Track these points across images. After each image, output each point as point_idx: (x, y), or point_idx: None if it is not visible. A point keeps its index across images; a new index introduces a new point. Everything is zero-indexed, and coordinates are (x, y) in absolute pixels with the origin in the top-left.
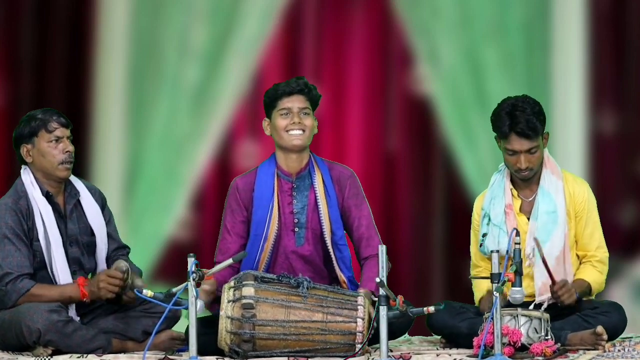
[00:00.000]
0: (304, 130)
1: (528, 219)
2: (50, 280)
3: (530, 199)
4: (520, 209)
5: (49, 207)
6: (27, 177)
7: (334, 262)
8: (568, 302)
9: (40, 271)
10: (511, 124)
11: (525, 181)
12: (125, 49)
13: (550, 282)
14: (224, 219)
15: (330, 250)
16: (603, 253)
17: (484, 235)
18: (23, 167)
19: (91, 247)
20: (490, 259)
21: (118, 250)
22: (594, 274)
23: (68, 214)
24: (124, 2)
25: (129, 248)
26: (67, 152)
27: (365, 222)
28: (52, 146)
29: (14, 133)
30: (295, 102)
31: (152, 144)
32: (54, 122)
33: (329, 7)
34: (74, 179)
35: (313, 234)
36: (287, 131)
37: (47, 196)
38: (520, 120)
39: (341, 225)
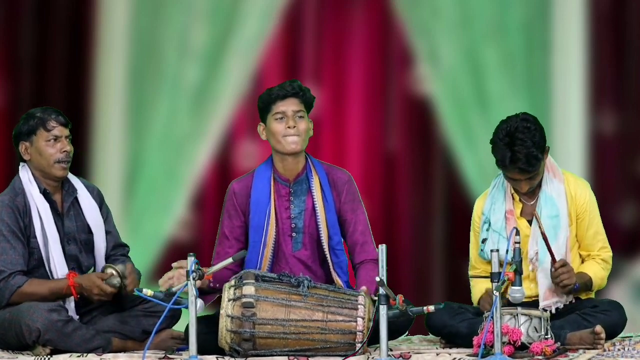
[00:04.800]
0: (299, 135)
1: (529, 222)
2: (48, 277)
3: (532, 202)
4: (522, 213)
5: (47, 205)
6: (25, 174)
7: (331, 266)
8: (566, 282)
9: (39, 269)
10: (512, 159)
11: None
12: (125, 49)
13: (552, 287)
14: (221, 223)
15: (327, 255)
16: (606, 253)
17: (484, 240)
18: (21, 164)
19: (89, 244)
20: (489, 263)
21: (117, 248)
22: (596, 268)
23: (65, 211)
24: (124, 2)
25: (129, 247)
26: (64, 151)
27: (360, 227)
28: (50, 145)
29: (14, 130)
30: (289, 106)
31: (152, 144)
32: (52, 120)
33: (329, 7)
34: (72, 177)
35: (310, 238)
36: (283, 136)
37: (45, 193)
38: (520, 156)
39: (338, 230)
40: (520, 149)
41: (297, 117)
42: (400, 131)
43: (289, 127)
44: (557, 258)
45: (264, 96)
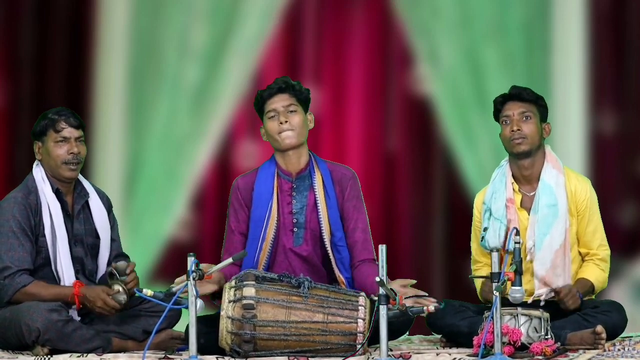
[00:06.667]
0: (293, 129)
1: (529, 213)
2: (53, 277)
3: (531, 194)
4: (521, 204)
5: (58, 204)
6: (38, 172)
7: (333, 263)
8: (573, 307)
9: (44, 268)
10: (507, 93)
11: (525, 176)
12: (125, 49)
13: (547, 277)
14: (228, 219)
15: (329, 251)
16: (605, 251)
17: (485, 229)
18: (35, 162)
19: (95, 249)
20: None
21: (119, 257)
22: (597, 272)
23: (75, 213)
24: (124, 2)
25: (129, 257)
26: (71, 153)
27: (361, 225)
28: (58, 146)
29: (32, 129)
30: (279, 102)
31: (152, 144)
32: (62, 122)
33: (329, 7)
34: (84, 181)
35: (312, 235)
36: (278, 133)
37: (57, 193)
38: (516, 88)
39: (340, 226)
40: (516, 87)
41: (289, 111)
42: (400, 131)
43: (281, 123)
44: (554, 248)
45: (257, 98)
